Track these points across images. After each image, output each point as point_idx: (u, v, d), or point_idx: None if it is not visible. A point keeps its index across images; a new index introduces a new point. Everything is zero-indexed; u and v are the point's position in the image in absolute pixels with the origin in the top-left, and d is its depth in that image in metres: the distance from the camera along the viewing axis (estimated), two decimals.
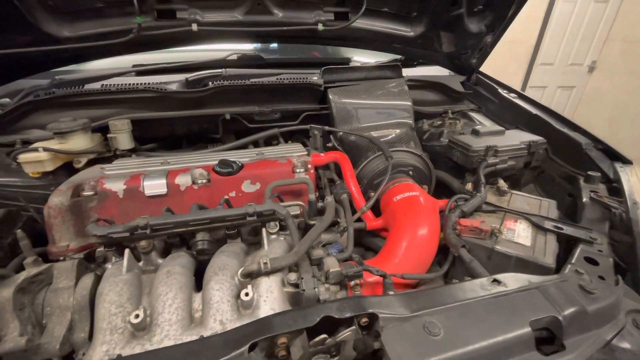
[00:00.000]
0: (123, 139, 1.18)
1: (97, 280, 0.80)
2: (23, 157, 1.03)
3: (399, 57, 1.76)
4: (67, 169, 1.14)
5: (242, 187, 1.04)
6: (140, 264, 0.86)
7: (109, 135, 1.17)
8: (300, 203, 0.96)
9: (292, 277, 0.77)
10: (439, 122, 1.54)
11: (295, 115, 1.44)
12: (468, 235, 0.93)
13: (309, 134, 1.32)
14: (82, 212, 0.93)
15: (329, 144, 1.34)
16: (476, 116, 1.65)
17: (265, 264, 0.73)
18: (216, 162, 1.06)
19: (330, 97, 1.38)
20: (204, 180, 1.01)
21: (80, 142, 1.12)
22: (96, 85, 1.31)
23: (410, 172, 1.22)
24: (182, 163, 1.09)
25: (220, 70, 1.47)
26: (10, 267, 0.84)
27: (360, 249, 1.11)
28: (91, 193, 0.94)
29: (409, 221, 0.96)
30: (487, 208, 1.02)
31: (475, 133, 1.30)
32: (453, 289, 0.68)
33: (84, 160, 1.13)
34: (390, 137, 1.31)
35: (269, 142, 1.46)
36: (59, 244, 0.89)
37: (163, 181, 0.98)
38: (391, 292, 0.74)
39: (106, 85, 1.31)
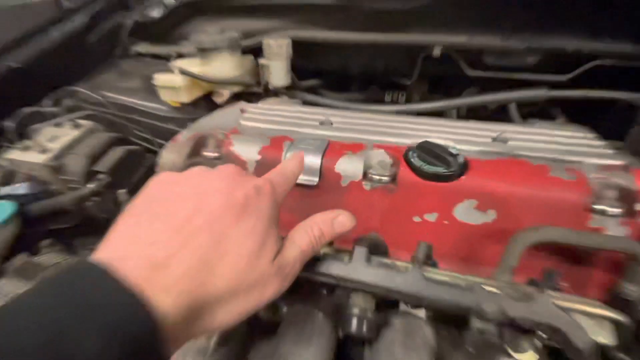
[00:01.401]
0: (278, 70, 0.79)
1: None
2: (159, 79, 0.76)
3: None
4: (210, 100, 0.85)
5: (453, 210, 0.50)
6: None
7: (260, 62, 0.79)
8: (618, 317, 0.37)
9: None
10: None
11: (569, 63, 0.72)
12: None
13: (601, 110, 0.62)
14: None
15: None
16: None
17: None
18: (413, 139, 0.55)
19: None
20: (386, 178, 0.52)
21: (225, 65, 0.78)
22: None
23: None
24: (355, 128, 0.62)
25: None
26: None
27: None
28: (214, 155, 0.59)
29: None
30: None
31: None
32: None
33: (226, 93, 0.81)
34: None
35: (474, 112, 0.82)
36: None
37: (316, 161, 0.54)
38: None
39: None
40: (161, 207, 0.32)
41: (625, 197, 0.45)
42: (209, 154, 0.60)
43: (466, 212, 0.50)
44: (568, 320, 0.34)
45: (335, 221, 0.40)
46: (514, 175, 0.49)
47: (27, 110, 0.73)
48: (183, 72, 0.73)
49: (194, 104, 0.82)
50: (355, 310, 0.43)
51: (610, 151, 0.52)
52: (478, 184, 0.49)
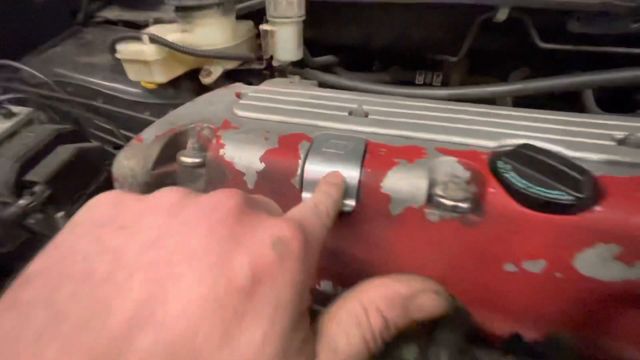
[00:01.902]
0: (287, 39, 0.58)
1: None
2: (124, 50, 0.56)
3: None
4: (195, 80, 0.65)
5: (574, 257, 0.31)
6: None
7: (262, 27, 0.58)
8: None
9: None
10: None
11: None
12: None
13: None
14: None
15: None
16: None
17: None
18: (494, 139, 0.36)
19: None
20: (464, 205, 0.33)
21: (214, 32, 0.58)
22: None
23: None
24: (399, 121, 0.42)
25: None
26: None
27: None
28: (195, 162, 0.40)
29: None
30: None
31: None
32: None
33: (217, 70, 0.60)
34: None
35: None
36: None
37: (352, 173, 0.35)
38: None
39: None
40: (77, 296, 0.16)
41: None
42: (187, 159, 0.40)
43: (597, 263, 0.31)
44: None
45: (413, 303, 0.22)
46: None
47: None
48: (155, 41, 0.52)
49: (174, 85, 0.62)
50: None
51: None
52: (622, 218, 0.30)
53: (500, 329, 0.35)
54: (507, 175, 0.32)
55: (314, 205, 0.25)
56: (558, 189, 0.30)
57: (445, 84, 0.82)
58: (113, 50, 0.57)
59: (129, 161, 0.39)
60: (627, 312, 0.32)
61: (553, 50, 0.60)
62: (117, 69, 0.65)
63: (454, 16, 0.63)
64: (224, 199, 0.20)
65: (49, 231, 0.52)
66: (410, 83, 0.84)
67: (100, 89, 0.63)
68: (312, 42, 0.70)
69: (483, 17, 0.60)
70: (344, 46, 0.78)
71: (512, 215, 0.31)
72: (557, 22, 0.58)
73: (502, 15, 0.58)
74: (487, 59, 0.79)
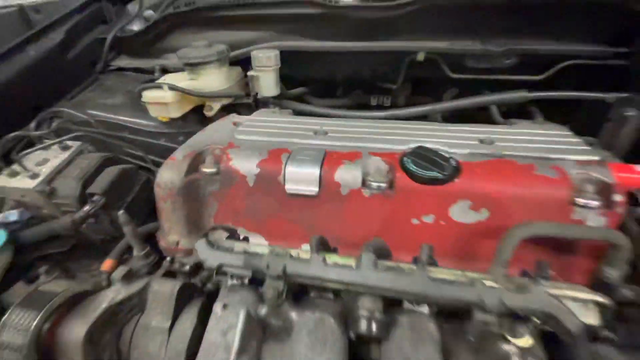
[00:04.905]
0: (267, 81, 0.80)
1: (204, 318, 0.50)
2: (148, 96, 0.76)
3: None
4: (200, 113, 0.85)
5: (450, 211, 0.53)
6: (264, 311, 0.51)
7: (249, 74, 0.80)
8: (601, 299, 0.41)
9: None
10: None
11: (541, 64, 0.77)
12: None
13: (574, 107, 0.66)
14: (199, 197, 0.62)
15: None
16: None
17: None
18: (406, 144, 0.57)
19: None
20: (382, 184, 0.54)
21: (214, 79, 0.79)
22: None
23: None
24: (348, 136, 0.64)
25: None
26: (113, 255, 0.62)
27: None
28: (212, 171, 0.60)
29: None
30: None
31: None
32: None
33: (216, 106, 0.81)
34: None
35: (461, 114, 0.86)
36: (168, 238, 0.62)
37: (315, 172, 0.55)
38: None
39: None
40: None
41: (603, 190, 0.49)
42: (207, 170, 0.60)
43: (461, 213, 0.53)
44: (560, 307, 0.38)
45: None
46: (504, 175, 0.52)
47: (11, 136, 0.70)
48: (172, 88, 0.73)
49: (184, 118, 0.81)
50: (364, 312, 0.45)
51: (586, 147, 0.56)
52: (471, 185, 0.52)
53: (408, 259, 0.55)
54: (407, 166, 0.54)
55: None
56: (434, 170, 0.52)
57: (394, 103, 1.06)
58: (140, 96, 0.76)
59: (167, 173, 0.59)
60: (481, 242, 0.53)
61: (461, 78, 0.84)
62: (136, 107, 0.84)
63: (390, 57, 0.86)
64: None
65: (100, 234, 0.70)
66: (367, 104, 1.06)
67: (126, 124, 0.82)
68: (288, 76, 0.92)
69: (409, 58, 0.83)
70: (313, 78, 1.00)
71: (411, 189, 0.53)
72: (460, 60, 0.82)
73: (420, 57, 0.81)
74: (423, 84, 1.03)
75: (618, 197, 0.48)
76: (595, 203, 0.48)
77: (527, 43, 0.75)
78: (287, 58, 0.84)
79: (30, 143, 0.73)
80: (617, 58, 0.72)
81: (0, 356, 0.42)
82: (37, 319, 0.43)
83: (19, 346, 0.41)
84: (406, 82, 0.96)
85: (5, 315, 0.44)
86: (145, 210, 0.74)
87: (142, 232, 0.65)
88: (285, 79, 0.89)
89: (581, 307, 0.40)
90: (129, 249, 0.64)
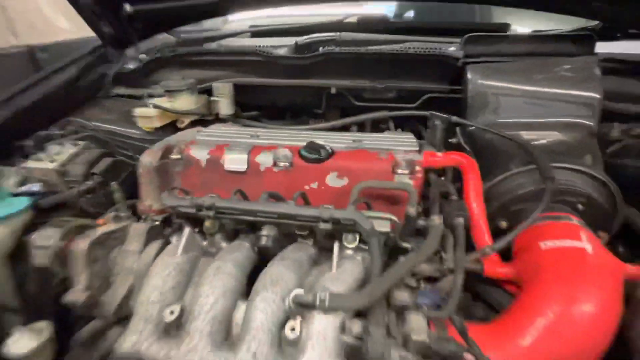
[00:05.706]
0: (224, 104, 1.14)
1: (164, 247, 0.77)
2: (138, 111, 1.08)
3: (594, 23, 1.19)
4: (175, 126, 1.17)
5: (326, 179, 0.85)
6: (205, 243, 0.80)
7: (211, 98, 1.14)
8: (393, 217, 0.72)
9: (356, 327, 0.55)
10: None
11: (414, 96, 1.14)
12: None
13: (427, 122, 1.02)
14: (168, 175, 0.92)
15: (452, 140, 1.01)
16: None
17: (322, 301, 0.54)
18: (305, 142, 0.90)
19: (469, 76, 1.00)
20: (286, 164, 0.86)
21: (186, 102, 1.12)
22: (213, 45, 1.30)
23: (580, 207, 0.80)
24: (273, 139, 0.96)
25: (334, 34, 1.27)
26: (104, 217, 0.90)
27: (467, 295, 0.80)
28: (178, 157, 0.91)
29: (559, 287, 0.60)
30: None
31: None
32: None
33: (187, 120, 1.13)
34: (550, 143, 0.89)
35: (377, 126, 1.22)
36: (145, 203, 0.90)
37: (244, 157, 0.87)
38: None
39: (220, 45, 1.28)
40: None
41: (411, 165, 0.82)
42: (174, 156, 0.91)
43: (332, 180, 0.84)
44: (362, 217, 0.68)
45: None
46: (359, 158, 0.85)
47: (42, 133, 1.00)
48: (156, 107, 1.05)
49: (162, 128, 1.13)
50: (264, 232, 0.74)
51: (415, 144, 0.90)
52: (338, 163, 0.84)
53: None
54: (302, 152, 0.86)
55: None
56: (315, 154, 0.84)
57: None
58: (132, 112, 1.08)
59: (147, 157, 0.89)
60: (344, 198, 0.84)
61: (362, 105, 1.20)
62: (128, 121, 1.16)
63: (313, 90, 1.22)
64: None
65: (96, 207, 0.97)
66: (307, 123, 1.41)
67: (120, 132, 1.12)
68: (244, 103, 1.26)
69: (325, 91, 1.19)
70: (262, 105, 1.35)
71: (303, 166, 0.85)
72: (360, 93, 1.19)
73: (333, 90, 1.17)
74: (347, 109, 1.38)
75: (418, 169, 0.81)
76: (404, 172, 0.81)
77: (399, 82, 1.13)
78: (242, 90, 1.19)
79: (50, 139, 1.03)
80: (455, 93, 1.09)
81: (34, 254, 0.69)
82: (60, 234, 0.71)
83: (49, 246, 0.69)
84: (334, 108, 1.32)
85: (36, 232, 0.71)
86: (129, 191, 1.02)
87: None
88: (242, 105, 1.24)
89: (379, 222, 0.71)
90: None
